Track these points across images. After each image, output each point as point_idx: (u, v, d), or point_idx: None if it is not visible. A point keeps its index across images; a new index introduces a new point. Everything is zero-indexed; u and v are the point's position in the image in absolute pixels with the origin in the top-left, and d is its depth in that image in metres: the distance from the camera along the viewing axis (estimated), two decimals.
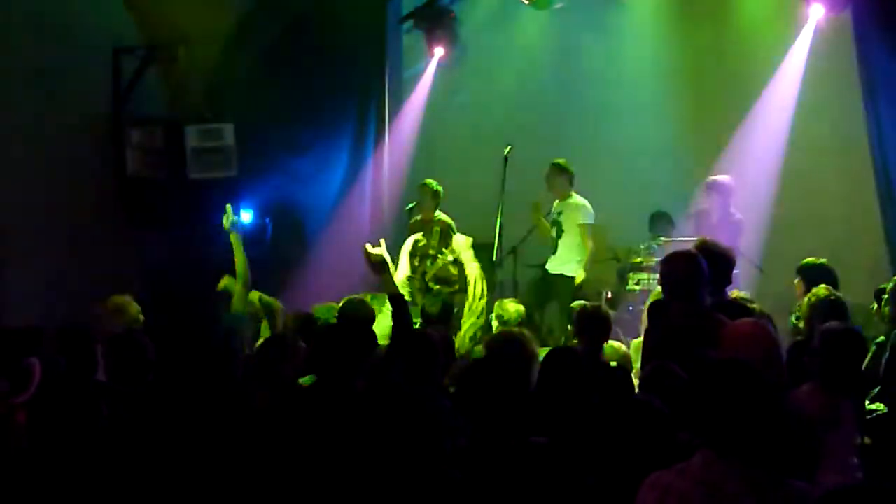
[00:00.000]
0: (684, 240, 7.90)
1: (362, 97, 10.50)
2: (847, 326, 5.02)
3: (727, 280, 5.77)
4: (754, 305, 6.03)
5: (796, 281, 6.97)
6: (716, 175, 9.11)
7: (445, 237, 9.08)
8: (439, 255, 8.96)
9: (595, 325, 5.87)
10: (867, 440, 4.70)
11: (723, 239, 7.73)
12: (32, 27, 7.83)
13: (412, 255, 9.02)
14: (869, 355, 5.79)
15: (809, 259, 7.05)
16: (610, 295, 9.06)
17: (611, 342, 6.21)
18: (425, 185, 9.27)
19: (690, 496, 3.00)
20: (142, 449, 4.16)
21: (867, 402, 5.12)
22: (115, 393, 4.71)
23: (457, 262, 8.82)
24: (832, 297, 6.00)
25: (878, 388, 5.32)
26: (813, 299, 6.02)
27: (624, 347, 6.51)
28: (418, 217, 9.32)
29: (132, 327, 5.84)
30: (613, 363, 5.90)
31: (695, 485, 3.01)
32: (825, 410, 4.49)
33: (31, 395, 4.71)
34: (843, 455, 4.51)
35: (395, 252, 9.96)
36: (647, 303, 6.67)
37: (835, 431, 4.52)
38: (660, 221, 9.39)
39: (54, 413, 4.14)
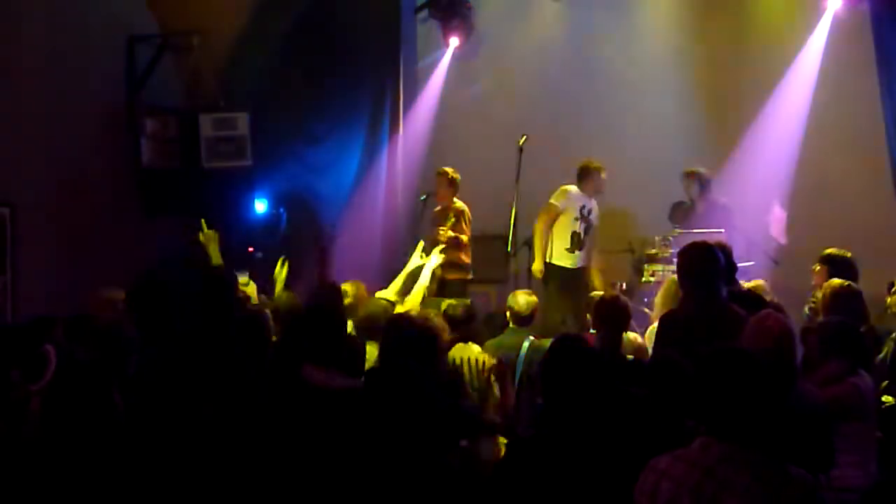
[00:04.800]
0: (700, 231, 7.86)
1: (377, 87, 10.47)
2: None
3: (735, 269, 5.76)
4: (768, 297, 6.00)
5: (817, 269, 6.93)
6: (700, 168, 9.12)
7: (459, 223, 9.09)
8: (441, 231, 8.97)
9: (614, 316, 5.69)
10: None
11: (713, 226, 7.78)
12: (46, 15, 7.82)
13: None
14: (886, 349, 5.77)
15: (832, 249, 7.00)
16: (625, 286, 9.01)
17: (627, 333, 6.14)
18: (442, 172, 9.26)
19: (685, 479, 3.03)
20: (155, 439, 4.16)
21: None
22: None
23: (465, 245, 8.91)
24: (847, 289, 5.95)
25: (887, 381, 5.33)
26: (828, 291, 5.98)
27: (640, 339, 6.46)
28: (437, 208, 9.32)
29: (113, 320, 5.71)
30: (629, 356, 5.81)
31: (690, 468, 3.04)
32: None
33: (46, 383, 4.72)
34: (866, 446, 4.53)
35: (405, 242, 10.02)
36: (660, 292, 6.64)
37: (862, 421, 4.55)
38: (679, 211, 9.34)
39: (69, 401, 4.14)
